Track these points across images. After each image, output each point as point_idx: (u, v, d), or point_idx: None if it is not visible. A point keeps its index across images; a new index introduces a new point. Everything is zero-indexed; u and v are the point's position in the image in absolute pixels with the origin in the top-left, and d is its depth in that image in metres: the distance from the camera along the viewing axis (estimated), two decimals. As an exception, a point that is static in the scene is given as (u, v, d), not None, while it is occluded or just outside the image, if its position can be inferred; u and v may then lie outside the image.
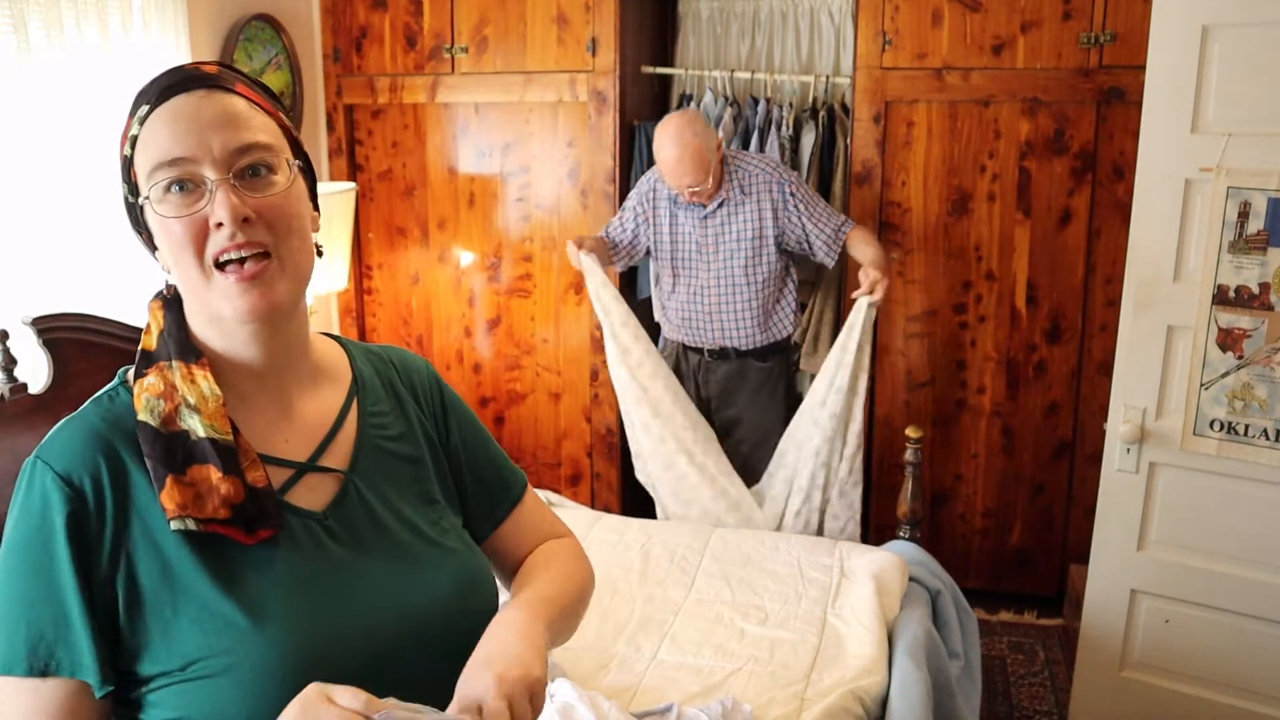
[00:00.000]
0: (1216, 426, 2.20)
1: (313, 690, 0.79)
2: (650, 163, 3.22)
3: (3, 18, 2.22)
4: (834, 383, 2.74)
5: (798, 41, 3.56)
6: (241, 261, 0.91)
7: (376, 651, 0.92)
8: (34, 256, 2.36)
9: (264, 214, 0.91)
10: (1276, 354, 2.13)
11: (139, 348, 0.98)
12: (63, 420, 0.94)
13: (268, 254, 0.92)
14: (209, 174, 0.90)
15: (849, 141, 3.15)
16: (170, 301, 0.99)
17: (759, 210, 2.84)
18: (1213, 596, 2.32)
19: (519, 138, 3.37)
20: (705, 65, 3.64)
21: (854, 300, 2.73)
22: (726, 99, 3.41)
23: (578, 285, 3.40)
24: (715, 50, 3.67)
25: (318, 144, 3.53)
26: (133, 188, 0.94)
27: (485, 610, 1.03)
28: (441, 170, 3.46)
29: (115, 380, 0.99)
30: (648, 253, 3.02)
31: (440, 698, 0.95)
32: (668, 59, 3.72)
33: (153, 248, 0.97)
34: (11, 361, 2.10)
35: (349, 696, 0.78)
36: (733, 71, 3.42)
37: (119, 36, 2.54)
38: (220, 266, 0.91)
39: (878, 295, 2.69)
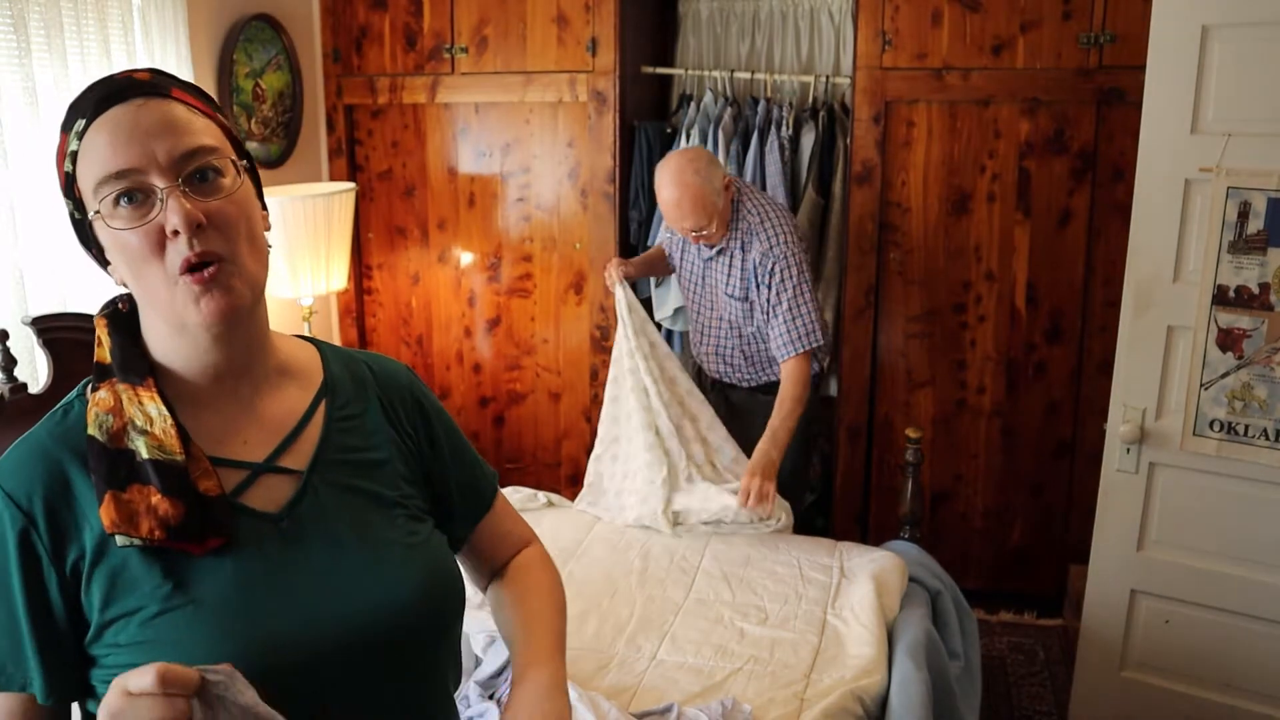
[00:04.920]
0: (1216, 427, 2.20)
1: (111, 695, 0.76)
2: (650, 163, 3.22)
3: (2, 16, 2.22)
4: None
5: (798, 41, 3.56)
6: (199, 268, 0.91)
7: (324, 649, 0.92)
8: (34, 257, 2.36)
9: (216, 218, 0.91)
10: (1276, 354, 2.13)
11: (94, 360, 0.98)
12: (17, 440, 0.96)
13: (222, 258, 0.92)
14: (157, 182, 0.89)
15: (849, 141, 3.15)
16: (115, 317, 0.99)
17: (753, 272, 2.65)
18: (1213, 596, 2.32)
19: (519, 138, 3.37)
20: (705, 65, 3.64)
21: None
22: (726, 99, 3.41)
23: (578, 285, 3.40)
24: (715, 50, 3.67)
25: (318, 144, 3.53)
26: (78, 204, 0.93)
27: (448, 610, 1.05)
28: (441, 170, 3.46)
29: (75, 391, 0.99)
30: None
31: (392, 697, 0.97)
32: (668, 59, 3.72)
33: (104, 263, 0.96)
34: (11, 361, 2.10)
35: (136, 679, 0.75)
36: (733, 71, 3.42)
37: (119, 36, 2.54)
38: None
39: (753, 505, 2.46)
